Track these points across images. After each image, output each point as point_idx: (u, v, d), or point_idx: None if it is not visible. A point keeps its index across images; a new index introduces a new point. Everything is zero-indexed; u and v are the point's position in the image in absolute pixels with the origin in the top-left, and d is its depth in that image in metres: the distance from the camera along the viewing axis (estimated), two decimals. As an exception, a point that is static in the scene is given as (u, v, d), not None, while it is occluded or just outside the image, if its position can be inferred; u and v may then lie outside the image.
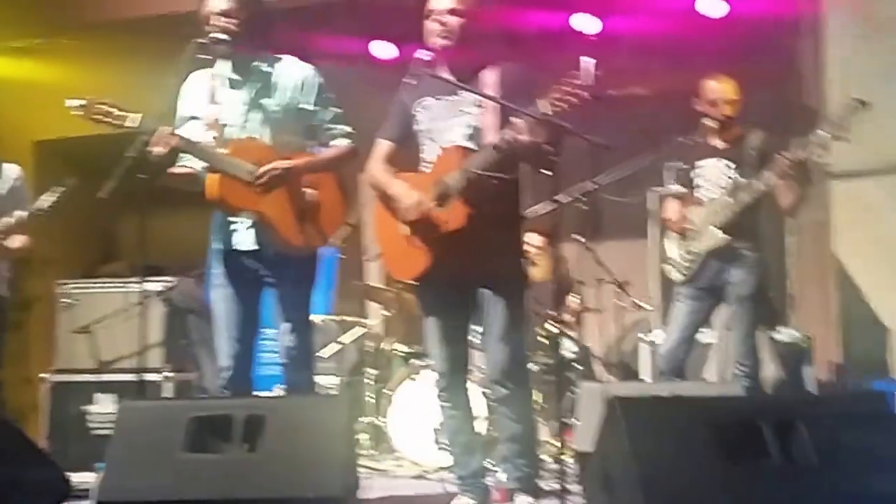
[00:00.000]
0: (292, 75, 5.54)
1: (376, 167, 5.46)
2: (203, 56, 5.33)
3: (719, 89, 6.70)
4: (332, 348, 8.22)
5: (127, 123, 5.13)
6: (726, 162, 6.66)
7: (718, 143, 6.75)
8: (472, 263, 5.12)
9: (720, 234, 6.54)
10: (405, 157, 5.51)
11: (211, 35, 5.31)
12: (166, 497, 4.16)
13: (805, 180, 6.50)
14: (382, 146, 5.48)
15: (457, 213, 5.08)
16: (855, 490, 3.72)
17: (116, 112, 5.14)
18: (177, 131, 5.33)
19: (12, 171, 6.52)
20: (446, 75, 5.23)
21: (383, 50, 9.87)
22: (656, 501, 3.66)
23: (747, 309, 6.58)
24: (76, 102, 5.13)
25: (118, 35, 9.36)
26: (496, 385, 5.24)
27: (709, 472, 3.79)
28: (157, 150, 5.07)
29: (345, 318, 8.22)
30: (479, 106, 5.21)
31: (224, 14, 5.35)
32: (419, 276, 5.34)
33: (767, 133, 6.65)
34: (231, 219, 5.49)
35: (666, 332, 6.98)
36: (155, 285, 7.36)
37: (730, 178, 6.62)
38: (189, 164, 5.40)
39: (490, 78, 5.22)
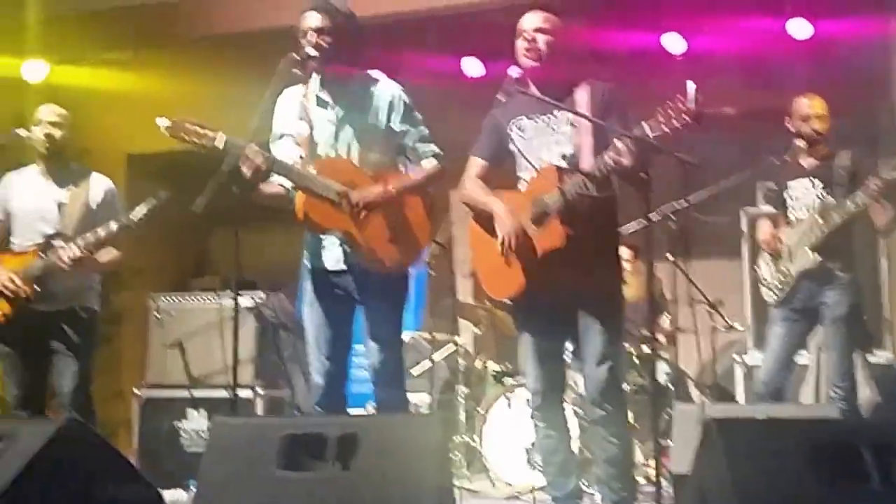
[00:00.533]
0: (381, 95, 5.54)
1: (471, 185, 5.44)
2: (297, 72, 5.32)
3: (810, 105, 6.65)
4: (423, 366, 8.16)
5: (212, 143, 5.16)
6: (815, 181, 6.61)
7: (808, 161, 6.69)
8: (570, 283, 5.08)
9: (812, 254, 6.47)
10: (498, 175, 5.50)
11: (304, 51, 5.32)
12: (260, 516, 4.09)
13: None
14: (477, 164, 5.48)
15: (555, 233, 5.05)
16: None
17: (201, 131, 5.17)
18: (271, 146, 5.42)
19: (104, 183, 6.55)
20: (538, 94, 5.18)
21: (471, 67, 9.83)
22: None
23: (842, 330, 6.48)
24: (163, 122, 5.17)
25: (212, 50, 9.43)
26: (593, 406, 5.19)
27: (807, 495, 3.69)
28: (245, 168, 5.10)
29: (435, 335, 8.16)
30: (573, 125, 5.19)
31: (317, 31, 5.37)
32: (515, 295, 5.32)
33: (856, 153, 6.57)
34: (320, 237, 5.50)
35: (763, 355, 6.87)
36: (247, 300, 7.34)
37: (818, 197, 6.57)
38: (281, 181, 5.41)
39: (582, 97, 5.19)
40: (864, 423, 4.96)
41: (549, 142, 5.26)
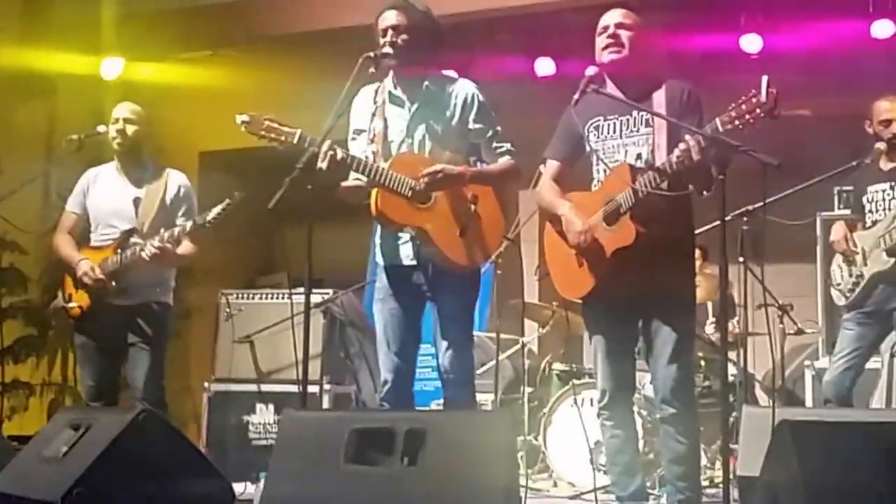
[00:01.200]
0: (456, 93, 5.56)
1: (545, 186, 5.46)
2: (373, 71, 5.33)
3: (891, 109, 6.59)
4: (488, 365, 8.18)
5: (291, 140, 5.21)
6: (893, 183, 6.55)
7: (888, 165, 6.63)
8: (641, 282, 5.07)
9: (886, 257, 6.41)
10: (574, 176, 5.52)
11: (380, 50, 5.35)
12: (327, 508, 4.10)
13: None
14: (552, 165, 5.50)
15: (626, 232, 5.04)
16: None
17: (279, 128, 5.21)
18: (348, 143, 5.48)
19: (178, 177, 6.61)
20: (617, 94, 5.19)
21: (543, 67, 9.84)
22: None
23: None
24: (241, 118, 5.21)
25: (288, 48, 9.51)
26: (663, 404, 5.17)
27: (881, 498, 3.68)
28: (322, 164, 5.11)
29: (501, 335, 8.17)
30: (650, 125, 5.18)
31: (394, 29, 5.39)
32: (587, 295, 5.33)
33: None
34: (394, 234, 5.51)
35: (832, 358, 6.81)
36: (315, 297, 7.38)
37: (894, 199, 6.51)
38: (360, 177, 5.43)
39: (660, 97, 5.19)
40: None
41: (626, 143, 5.25)
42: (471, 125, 5.55)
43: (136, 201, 6.45)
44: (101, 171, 6.64)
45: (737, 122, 4.60)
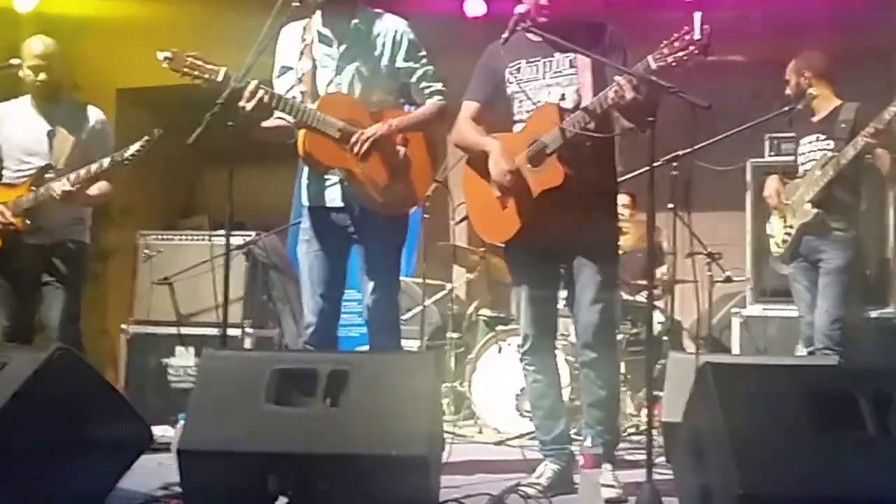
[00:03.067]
0: (385, 31, 5.48)
1: (465, 127, 5.36)
2: (297, 5, 5.19)
3: (810, 60, 6.72)
4: (414, 311, 8.11)
5: (213, 78, 5.08)
6: (821, 136, 6.64)
7: (815, 117, 6.72)
8: (566, 225, 5.01)
9: (811, 208, 6.49)
10: (492, 118, 5.43)
11: None
12: (247, 448, 4.08)
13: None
14: (470, 107, 5.41)
15: (552, 172, 4.98)
16: None
17: (203, 65, 5.10)
18: (274, 81, 5.39)
19: (94, 114, 6.45)
20: (538, 35, 5.09)
21: (473, 7, 9.70)
22: (749, 471, 3.54)
23: (835, 282, 6.54)
24: (163, 55, 5.08)
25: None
26: (585, 349, 5.18)
27: (802, 441, 3.66)
28: (246, 104, 5.03)
29: (428, 280, 8.10)
30: (573, 66, 5.11)
31: None
32: (511, 239, 5.26)
33: (862, 106, 6.53)
34: (321, 175, 5.45)
35: (809, 316, 6.77)
36: (237, 240, 7.25)
37: (822, 151, 6.58)
38: (284, 116, 5.34)
39: (584, 37, 5.07)
40: (863, 372, 4.89)
41: (549, 83, 5.17)
42: (399, 64, 5.48)
43: (51, 135, 6.29)
44: (13, 105, 6.46)
45: (670, 59, 4.55)
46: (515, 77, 5.23)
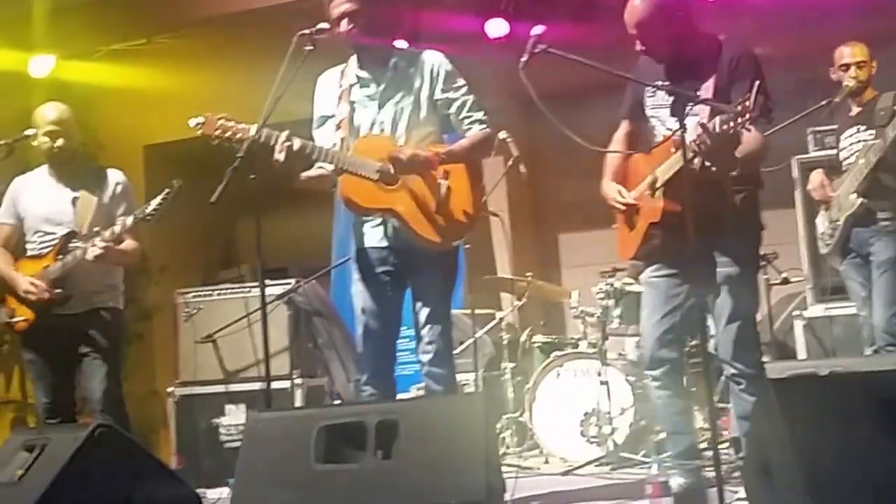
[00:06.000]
0: (423, 66, 5.39)
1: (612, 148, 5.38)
2: (311, 48, 5.05)
3: (851, 53, 6.53)
4: (466, 343, 7.94)
5: (245, 137, 5.01)
6: (861, 127, 6.45)
7: (854, 109, 6.56)
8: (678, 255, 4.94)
9: (856, 198, 6.29)
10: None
11: (316, 27, 5.11)
12: (301, 512, 3.94)
13: None
14: (622, 124, 5.41)
15: (655, 209, 5.01)
16: None
17: (235, 126, 5.05)
18: (314, 132, 5.35)
19: (115, 176, 6.35)
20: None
21: (495, 28, 9.51)
22: (819, 485, 3.37)
23: (888, 274, 6.26)
24: (195, 121, 5.07)
25: (227, 31, 9.22)
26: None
27: (874, 453, 3.46)
28: (279, 156, 4.98)
29: (477, 310, 7.94)
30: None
31: (348, 15, 5.21)
32: (632, 258, 5.32)
33: None
34: (364, 218, 5.38)
35: (863, 312, 6.56)
36: (276, 289, 7.10)
37: (863, 141, 6.39)
38: (324, 165, 5.28)
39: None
40: None
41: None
42: (438, 95, 5.37)
43: (75, 202, 6.17)
44: (32, 177, 6.36)
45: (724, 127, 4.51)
46: (651, 99, 5.18)
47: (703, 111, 4.86)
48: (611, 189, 5.17)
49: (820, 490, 3.35)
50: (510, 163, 7.50)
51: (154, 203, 5.87)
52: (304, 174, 5.30)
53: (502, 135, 7.23)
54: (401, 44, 5.51)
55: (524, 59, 4.79)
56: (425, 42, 5.62)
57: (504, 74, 5.26)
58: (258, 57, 7.17)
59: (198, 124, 5.05)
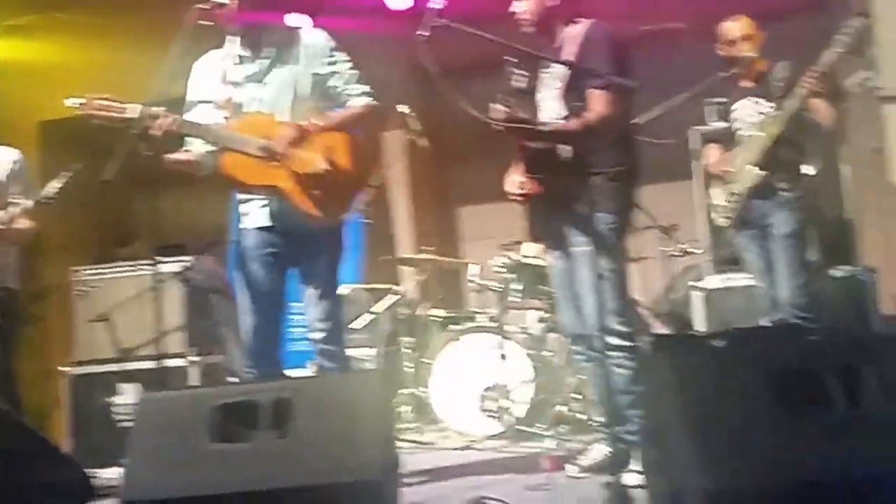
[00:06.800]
0: (304, 42, 5.43)
1: None
2: (207, 22, 5.10)
3: (735, 28, 6.54)
4: (365, 319, 7.90)
5: (127, 115, 5.00)
6: (756, 99, 6.46)
7: (746, 82, 6.56)
8: None
9: (756, 170, 6.30)
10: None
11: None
12: (195, 492, 3.90)
13: (835, 97, 6.22)
14: None
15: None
16: None
17: (115, 105, 5.02)
18: (185, 116, 5.29)
19: (10, 154, 6.33)
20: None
21: (396, 0, 9.42)
22: (714, 464, 3.40)
23: (790, 249, 6.31)
24: (75, 101, 5.04)
25: (121, 5, 9.04)
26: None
27: (768, 426, 3.51)
28: (155, 132, 4.99)
29: (375, 285, 7.91)
30: None
31: None
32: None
33: (794, 62, 6.34)
34: (247, 196, 5.42)
35: (762, 284, 6.59)
36: (172, 266, 7.01)
37: (761, 113, 6.40)
38: (192, 148, 5.32)
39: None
40: (825, 344, 4.76)
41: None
42: (322, 72, 5.41)
43: None
44: None
45: None
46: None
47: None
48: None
49: (713, 460, 3.37)
50: (410, 136, 7.48)
51: (53, 187, 5.82)
52: (170, 157, 5.30)
53: (403, 109, 7.21)
54: (300, 18, 5.45)
55: (423, 33, 4.77)
56: (327, 15, 5.56)
57: (406, 48, 5.21)
58: (157, 31, 7.09)
59: (79, 104, 5.03)
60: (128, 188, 9.15)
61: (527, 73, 4.80)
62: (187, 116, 5.34)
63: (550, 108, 5.23)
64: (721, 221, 6.67)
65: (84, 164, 5.88)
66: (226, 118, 5.28)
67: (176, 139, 5.12)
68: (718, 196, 6.65)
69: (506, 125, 4.91)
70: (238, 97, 5.34)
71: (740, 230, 6.56)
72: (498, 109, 4.89)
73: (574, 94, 5.09)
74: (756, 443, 3.45)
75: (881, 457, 3.38)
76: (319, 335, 5.37)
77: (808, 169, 6.44)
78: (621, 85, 4.83)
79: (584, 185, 4.96)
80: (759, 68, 6.47)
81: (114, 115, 4.99)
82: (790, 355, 3.88)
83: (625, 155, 5.23)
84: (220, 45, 5.42)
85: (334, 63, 5.42)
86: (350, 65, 5.45)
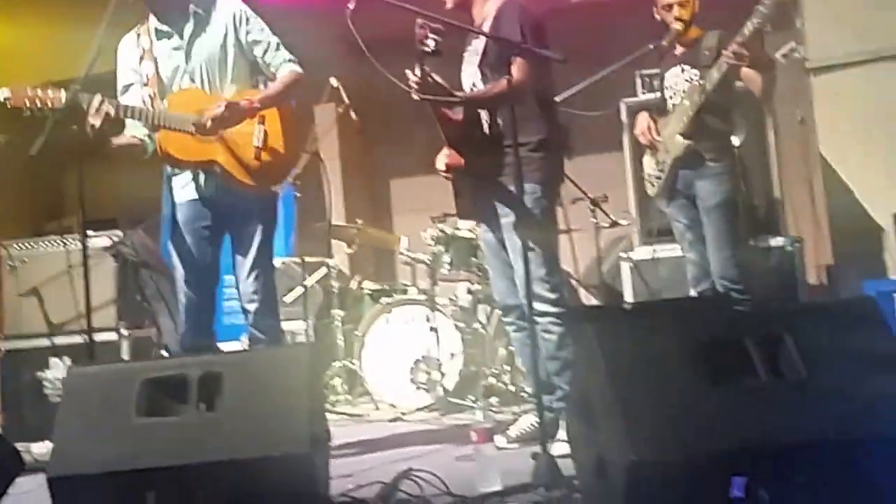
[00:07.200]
0: (224, 13, 5.46)
1: None
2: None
3: None
4: (296, 292, 7.91)
5: (56, 106, 5.01)
6: (685, 67, 6.44)
7: (678, 49, 6.52)
8: None
9: (682, 140, 6.26)
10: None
11: None
12: (122, 467, 3.88)
13: (763, 67, 6.20)
14: None
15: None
16: (846, 401, 3.47)
17: (43, 94, 5.02)
18: (120, 98, 5.34)
19: None
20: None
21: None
22: (639, 435, 3.40)
23: (718, 221, 6.28)
24: (4, 94, 5.03)
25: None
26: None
27: (693, 397, 3.54)
28: (93, 121, 4.99)
29: (307, 258, 7.91)
30: None
31: None
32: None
33: (724, 33, 6.28)
34: (175, 172, 5.47)
35: (687, 255, 6.59)
36: (103, 240, 6.96)
37: (688, 81, 6.38)
38: (134, 132, 5.39)
39: None
40: (749, 314, 4.85)
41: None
42: (244, 43, 5.45)
43: None
44: None
45: None
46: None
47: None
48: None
49: (637, 430, 3.40)
50: (341, 109, 7.46)
51: None
52: (115, 141, 5.35)
53: (333, 82, 7.21)
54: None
55: (351, 5, 4.78)
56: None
57: (335, 20, 5.20)
58: (89, 5, 7.05)
59: (5, 99, 4.99)
60: (58, 162, 9.17)
61: (438, 37, 4.80)
62: (122, 99, 5.35)
63: (471, 82, 5.28)
64: (650, 191, 6.68)
65: (11, 139, 5.82)
66: (151, 96, 5.31)
67: (114, 124, 5.13)
68: (649, 165, 6.65)
69: (424, 93, 4.94)
70: (162, 71, 5.37)
71: (670, 200, 6.53)
72: (413, 76, 4.93)
73: (493, 67, 5.17)
74: (680, 413, 3.46)
75: (803, 425, 3.42)
76: (254, 306, 5.41)
77: (735, 140, 6.49)
78: (538, 54, 4.89)
79: (508, 156, 5.01)
80: (691, 36, 6.44)
81: (46, 104, 4.99)
82: (714, 326, 3.91)
83: (548, 126, 5.27)
84: (143, 20, 5.44)
85: (258, 31, 5.46)
86: (269, 32, 5.49)
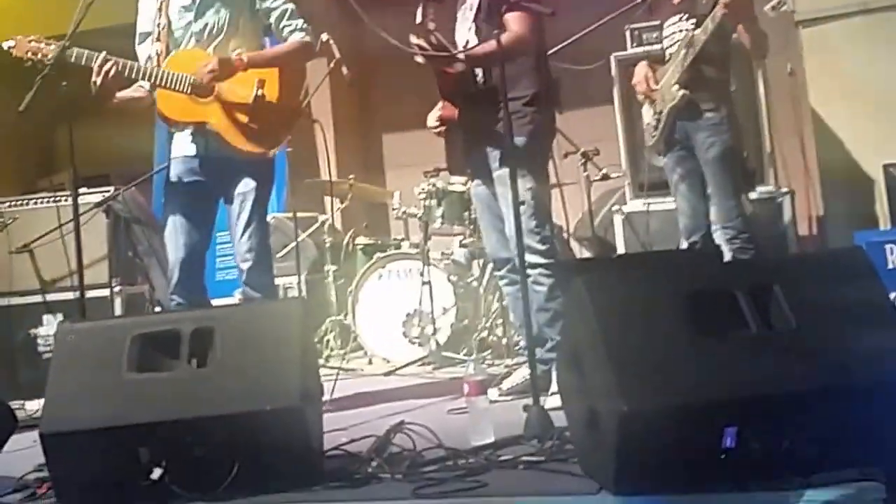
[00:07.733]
0: None
1: None
2: None
3: None
4: (289, 247, 7.92)
5: (60, 58, 5.02)
6: (682, 15, 6.32)
7: None
8: None
9: (678, 90, 6.19)
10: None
11: None
12: (114, 423, 3.87)
13: (751, 18, 6.07)
14: None
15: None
16: (835, 352, 3.47)
17: (45, 47, 5.06)
18: (137, 49, 5.44)
19: None
20: None
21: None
22: (631, 386, 3.38)
23: (718, 172, 6.18)
24: (7, 44, 5.10)
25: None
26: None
27: (683, 347, 3.52)
28: (97, 79, 5.05)
29: (299, 213, 7.90)
30: None
31: None
32: None
33: None
34: (175, 130, 5.48)
35: (679, 207, 6.52)
36: (94, 197, 6.95)
37: (684, 31, 6.26)
38: (143, 84, 5.41)
39: None
40: (739, 266, 4.85)
41: None
42: (257, 5, 5.46)
43: None
44: None
45: None
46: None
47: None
48: None
49: (628, 382, 3.39)
50: (332, 64, 7.43)
51: None
52: (120, 95, 5.34)
53: (324, 37, 7.16)
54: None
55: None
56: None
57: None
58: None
59: (9, 47, 5.07)
60: (50, 119, 9.15)
61: None
62: (138, 49, 5.44)
63: (465, 39, 5.27)
64: (649, 141, 6.60)
65: (3, 93, 5.82)
66: (158, 52, 5.33)
67: (118, 80, 5.16)
68: (648, 115, 6.58)
69: (424, 55, 4.93)
70: (175, 29, 5.39)
71: (668, 150, 6.44)
72: (416, 41, 4.92)
73: (488, 23, 5.11)
74: (671, 364, 3.45)
75: (794, 375, 3.42)
76: (248, 265, 5.41)
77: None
78: (527, 7, 4.89)
79: (500, 109, 4.99)
80: None
81: (48, 56, 5.03)
82: (705, 277, 3.91)
83: (540, 79, 5.26)
84: None
85: None
86: (286, 0, 5.49)
